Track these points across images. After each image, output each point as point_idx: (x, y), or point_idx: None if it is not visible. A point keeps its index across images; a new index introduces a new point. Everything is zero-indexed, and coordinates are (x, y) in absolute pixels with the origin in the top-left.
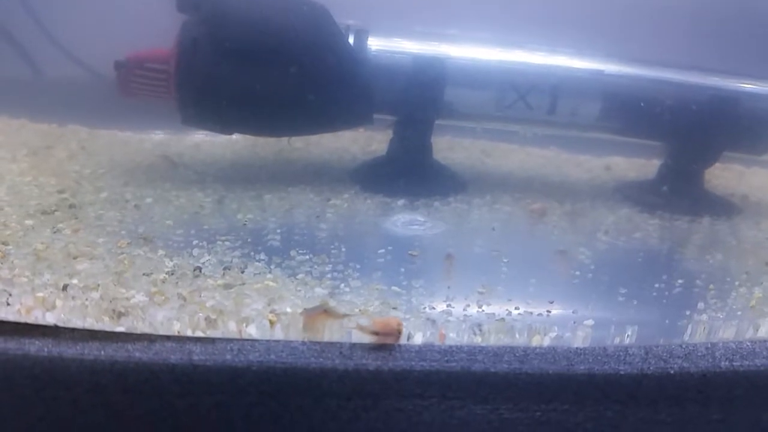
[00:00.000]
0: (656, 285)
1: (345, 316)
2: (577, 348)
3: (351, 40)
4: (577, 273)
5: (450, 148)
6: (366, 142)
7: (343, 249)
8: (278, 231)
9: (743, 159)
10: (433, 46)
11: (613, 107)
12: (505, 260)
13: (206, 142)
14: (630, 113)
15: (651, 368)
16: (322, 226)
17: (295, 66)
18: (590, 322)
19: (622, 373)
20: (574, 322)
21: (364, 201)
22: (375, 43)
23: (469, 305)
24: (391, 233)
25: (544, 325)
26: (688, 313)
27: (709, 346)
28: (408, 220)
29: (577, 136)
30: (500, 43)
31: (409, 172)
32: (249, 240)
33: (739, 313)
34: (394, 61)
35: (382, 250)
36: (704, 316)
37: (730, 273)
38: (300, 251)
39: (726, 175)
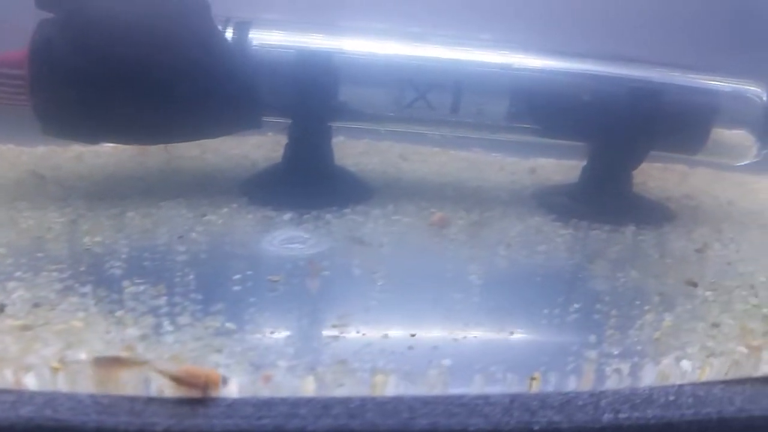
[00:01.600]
0: (546, 311)
1: (143, 364)
2: (425, 396)
3: (230, 34)
4: (457, 296)
5: (365, 152)
6: (272, 147)
7: (192, 276)
8: (124, 256)
9: (689, 159)
10: (324, 39)
11: (524, 105)
12: (380, 283)
13: (89, 153)
14: (543, 111)
15: (512, 423)
16: (180, 248)
17: (165, 65)
18: (447, 362)
19: (471, 429)
20: (431, 362)
21: (245, 216)
22: (259, 37)
23: (314, 342)
24: (263, 254)
25: (397, 365)
26: (575, 348)
27: (595, 393)
28: (287, 238)
29: (487, 138)
30: (398, 35)
31: (305, 181)
32: (82, 269)
33: (639, 347)
34: (280, 57)
35: (238, 276)
36: (593, 353)
37: (642, 294)
38: (137, 281)
39: (665, 177)
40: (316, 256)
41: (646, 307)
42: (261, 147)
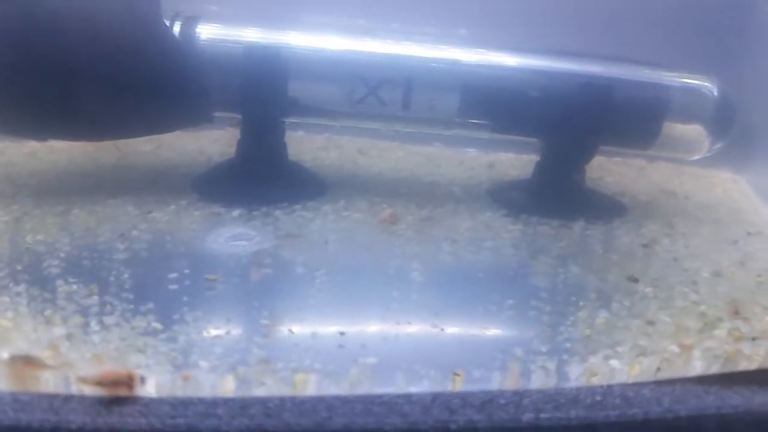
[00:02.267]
0: (481, 308)
1: (49, 366)
2: (346, 396)
3: (177, 28)
4: (395, 293)
5: (324, 147)
6: (228, 142)
7: (127, 275)
8: (63, 255)
9: (648, 153)
10: (274, 33)
11: (475, 101)
12: (318, 281)
13: (43, 150)
14: (493, 107)
15: (429, 422)
16: (120, 246)
17: (111, 60)
18: (373, 359)
19: (387, 429)
20: (356, 360)
21: (192, 213)
22: (207, 31)
23: (242, 342)
24: (206, 252)
25: (323, 364)
26: (503, 346)
27: (519, 391)
28: (233, 235)
29: (439, 134)
30: (349, 30)
31: (258, 177)
32: (19, 268)
33: (568, 345)
34: (228, 52)
35: (175, 275)
36: (520, 351)
37: (580, 291)
38: (71, 280)
39: (623, 172)
40: (259, 254)
41: (581, 304)
42: (217, 142)
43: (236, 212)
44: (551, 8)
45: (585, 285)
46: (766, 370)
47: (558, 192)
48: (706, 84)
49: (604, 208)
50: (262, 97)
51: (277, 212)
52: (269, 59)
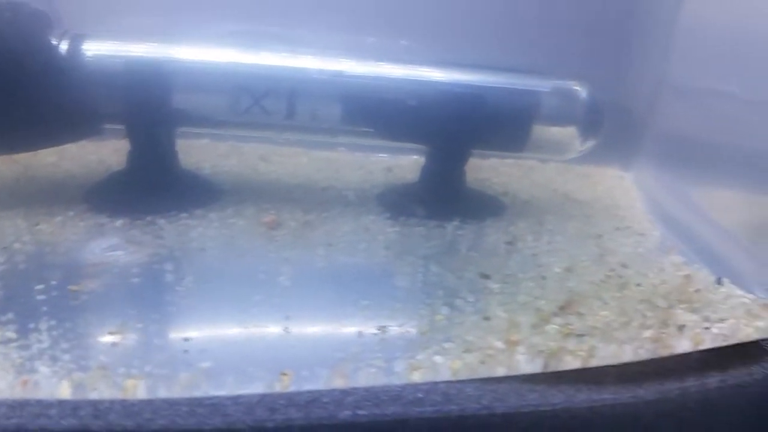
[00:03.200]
0: (337, 310)
1: None
2: (175, 398)
3: (65, 45)
4: (257, 298)
5: (226, 154)
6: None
7: None
8: None
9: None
10: (159, 48)
11: (356, 109)
12: (182, 289)
13: None
14: (374, 115)
15: (248, 422)
16: (0, 259)
17: None
18: (207, 364)
19: (206, 429)
20: (192, 365)
21: (77, 224)
22: (93, 48)
23: (89, 349)
24: (81, 263)
25: (160, 370)
26: (341, 345)
27: (346, 390)
28: (110, 245)
29: (327, 141)
30: (233, 42)
31: (148, 186)
32: None
33: (401, 343)
34: (112, 67)
35: (42, 286)
36: (354, 348)
37: (433, 288)
38: None
39: (511, 172)
40: (133, 263)
41: (428, 302)
42: (118, 151)
43: (119, 222)
44: (438, 18)
45: (440, 283)
46: (596, 368)
47: (439, 194)
48: (575, 87)
49: (482, 208)
50: (143, 108)
51: (162, 221)
52: (149, 72)
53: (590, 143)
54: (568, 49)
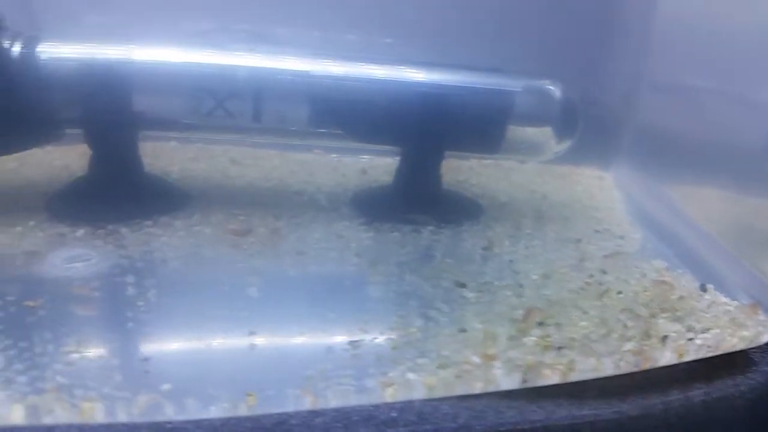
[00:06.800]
0: (303, 324)
1: None
2: (135, 422)
3: (18, 48)
4: (221, 313)
5: (195, 157)
6: None
7: None
8: None
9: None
10: (116, 49)
11: (324, 111)
12: (143, 303)
13: None
14: (343, 116)
15: None
16: None
17: None
18: (168, 386)
19: None
20: (153, 386)
21: (37, 234)
22: (48, 50)
23: (46, 370)
24: (39, 276)
25: (119, 391)
26: (309, 363)
27: (315, 411)
28: (71, 256)
29: (299, 143)
30: (203, 42)
31: (110, 193)
32: None
33: (371, 358)
34: (67, 70)
35: None
36: (324, 366)
37: (407, 299)
38: None
39: (489, 173)
40: (94, 276)
41: (401, 313)
42: (84, 156)
43: (80, 232)
44: (410, 18)
45: (414, 292)
46: (575, 383)
47: (412, 197)
48: (550, 87)
49: (459, 211)
50: (101, 112)
51: (124, 230)
52: (104, 75)
53: (566, 143)
54: (544, 48)
